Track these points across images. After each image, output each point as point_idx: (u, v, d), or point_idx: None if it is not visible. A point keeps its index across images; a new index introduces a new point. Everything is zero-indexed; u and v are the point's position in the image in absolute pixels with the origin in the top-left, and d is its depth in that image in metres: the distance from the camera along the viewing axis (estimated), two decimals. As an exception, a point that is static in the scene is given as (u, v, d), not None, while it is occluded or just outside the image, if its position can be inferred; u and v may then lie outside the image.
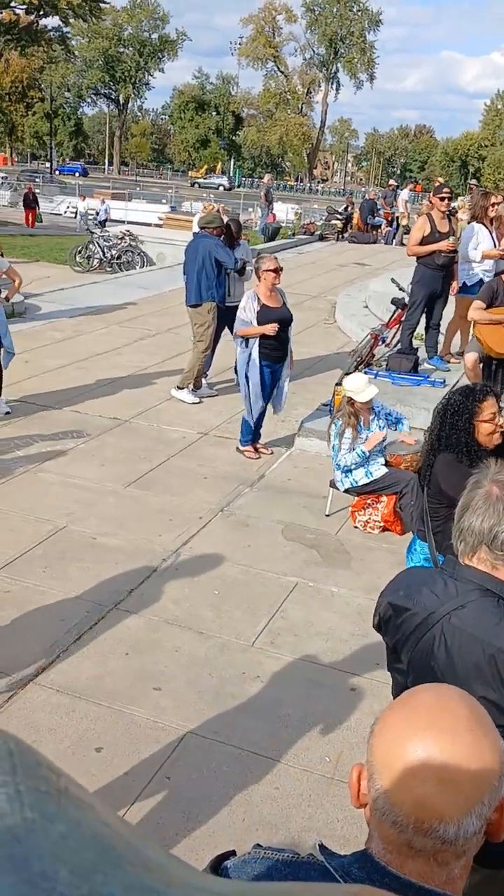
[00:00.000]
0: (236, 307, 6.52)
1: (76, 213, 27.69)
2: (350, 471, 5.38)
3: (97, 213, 25.71)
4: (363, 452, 5.31)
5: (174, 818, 2.99)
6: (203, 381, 8.06)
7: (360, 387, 5.31)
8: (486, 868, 1.85)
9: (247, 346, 6.28)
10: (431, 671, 1.81)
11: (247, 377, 6.31)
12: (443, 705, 0.98)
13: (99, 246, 17.97)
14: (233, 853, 1.09)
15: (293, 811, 3.07)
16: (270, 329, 6.11)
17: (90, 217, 24.56)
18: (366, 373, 7.14)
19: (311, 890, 0.79)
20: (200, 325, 7.60)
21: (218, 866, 1.06)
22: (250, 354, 6.25)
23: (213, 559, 4.92)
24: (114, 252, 18.04)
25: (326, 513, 5.66)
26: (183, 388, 7.77)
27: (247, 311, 6.23)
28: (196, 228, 18.60)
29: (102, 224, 21.08)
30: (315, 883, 0.96)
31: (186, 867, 0.56)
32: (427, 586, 1.86)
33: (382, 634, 2.02)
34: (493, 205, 8.06)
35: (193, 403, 7.71)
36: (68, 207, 31.39)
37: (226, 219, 8.32)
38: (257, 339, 6.21)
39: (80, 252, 18.21)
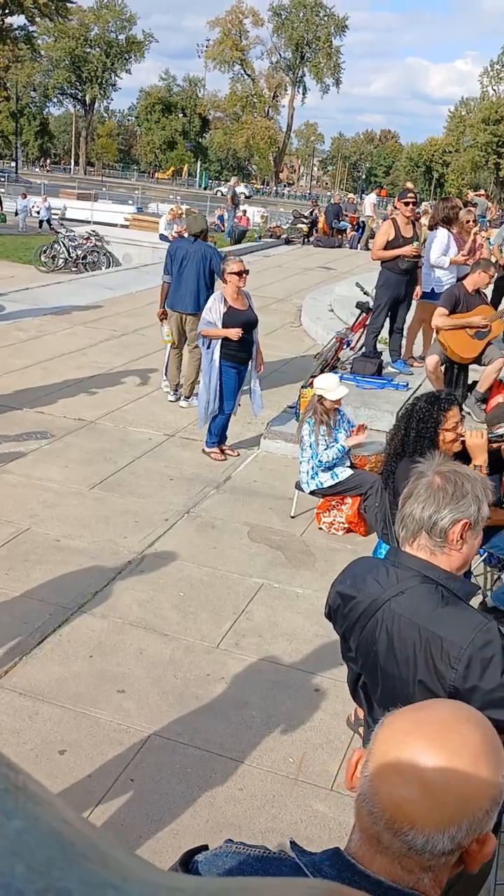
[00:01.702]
0: None
1: (16, 210, 27.49)
2: (317, 473, 5.41)
3: (61, 212, 25.55)
4: (343, 448, 5.35)
5: (137, 820, 2.98)
6: (164, 383, 8.05)
7: (331, 386, 5.36)
8: None
9: (209, 347, 6.29)
10: (375, 656, 1.87)
11: (210, 379, 6.32)
12: (456, 725, 0.97)
13: (64, 246, 17.85)
14: (205, 847, 1.08)
15: (257, 812, 3.08)
16: (234, 334, 6.12)
17: (54, 217, 24.40)
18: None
19: (269, 884, 0.80)
20: (192, 330, 7.55)
21: (188, 861, 1.05)
22: (212, 356, 6.26)
23: (179, 561, 4.92)
24: (79, 252, 17.93)
25: (292, 514, 5.68)
26: (190, 397, 7.72)
27: (212, 311, 6.24)
28: (163, 230, 18.56)
29: (42, 224, 20.94)
30: (274, 878, 0.97)
31: (146, 864, 0.57)
32: (371, 574, 1.92)
33: (333, 623, 2.08)
34: (454, 208, 8.16)
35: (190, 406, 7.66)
36: (33, 207, 31.09)
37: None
38: (219, 341, 6.22)
39: (45, 252, 18.07)
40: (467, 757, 0.93)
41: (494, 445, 3.61)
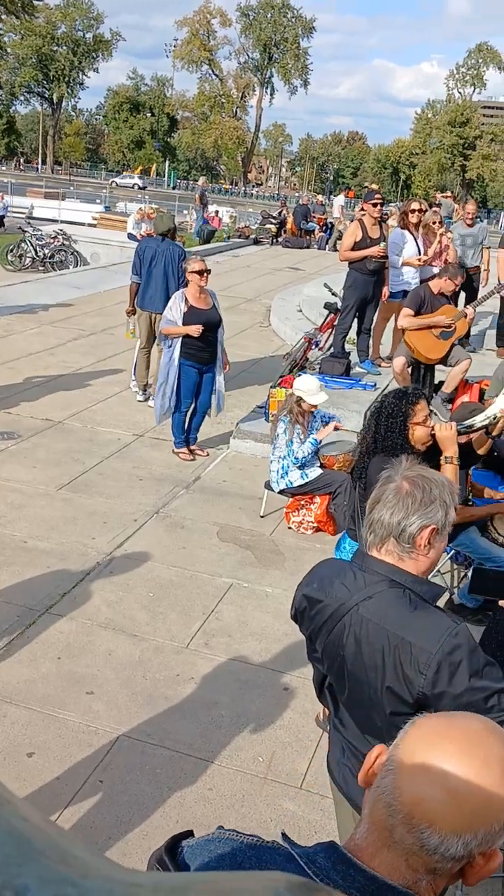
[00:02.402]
0: None
1: None
2: (287, 472, 5.43)
3: (28, 211, 25.32)
4: (316, 441, 5.37)
5: (106, 822, 2.97)
6: (132, 383, 8.03)
7: (312, 389, 5.37)
8: None
9: (170, 345, 6.28)
10: (342, 660, 1.87)
11: (167, 377, 6.31)
12: (487, 737, 0.98)
13: (31, 245, 17.69)
14: (190, 833, 1.07)
15: (227, 812, 3.08)
16: (194, 330, 6.11)
17: (17, 215, 24.16)
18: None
19: (230, 878, 0.80)
20: None
21: (175, 846, 1.04)
22: (171, 354, 6.25)
23: (148, 561, 4.90)
24: (46, 251, 17.78)
25: (261, 514, 5.69)
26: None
27: (173, 310, 6.22)
28: (131, 229, 18.48)
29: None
30: (235, 872, 0.97)
31: (108, 862, 0.56)
32: (339, 578, 1.91)
33: (299, 625, 2.07)
34: (412, 211, 8.22)
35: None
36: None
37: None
38: (179, 340, 6.20)
39: (11, 250, 17.89)
40: (496, 770, 0.95)
41: (464, 438, 3.64)
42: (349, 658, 1.84)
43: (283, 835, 1.04)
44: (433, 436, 3.33)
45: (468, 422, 3.78)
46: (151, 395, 7.78)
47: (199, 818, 3.02)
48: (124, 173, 65.36)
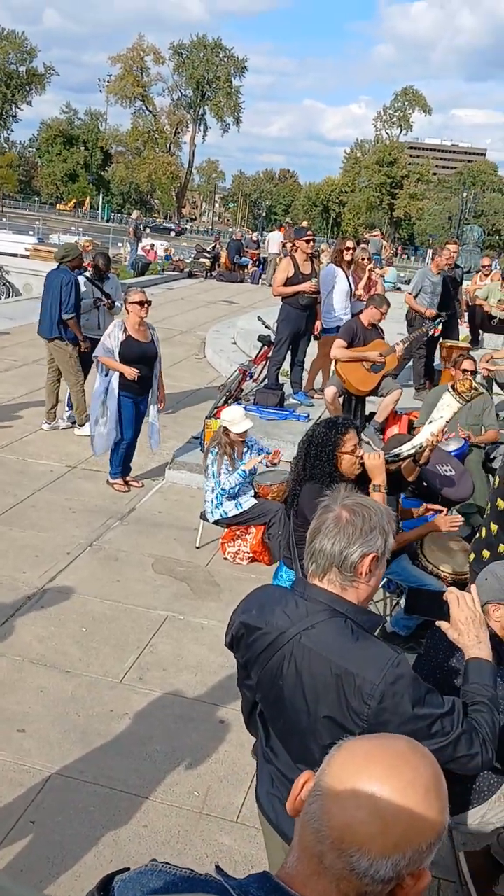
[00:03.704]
0: None
1: None
2: (221, 502, 5.44)
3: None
4: (244, 472, 5.39)
5: (38, 863, 2.88)
6: (66, 413, 7.98)
7: (235, 418, 5.41)
8: None
9: (107, 374, 6.25)
10: (280, 689, 1.85)
11: (105, 406, 6.27)
12: (412, 758, 0.99)
13: (-39, 275, 17.43)
14: (126, 870, 1.06)
15: (162, 848, 3.03)
16: (130, 373, 6.12)
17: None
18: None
19: None
20: (66, 359, 7.55)
21: (108, 884, 1.02)
22: (110, 383, 6.23)
23: (81, 595, 4.82)
24: (-23, 282, 17.53)
25: (197, 545, 5.67)
26: (84, 425, 7.63)
27: (111, 338, 6.21)
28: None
29: None
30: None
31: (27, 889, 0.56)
32: (279, 606, 1.90)
33: (234, 652, 2.05)
34: (347, 249, 8.46)
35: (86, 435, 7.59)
36: None
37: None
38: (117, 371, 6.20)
39: None
40: (421, 790, 0.96)
41: (392, 466, 3.73)
42: (288, 688, 1.83)
43: (217, 867, 1.03)
44: (363, 464, 3.40)
45: (396, 451, 3.87)
46: (77, 423, 7.76)
47: (134, 856, 2.96)
48: (160, 221, 64.85)
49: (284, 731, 1.91)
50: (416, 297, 8.97)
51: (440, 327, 9.50)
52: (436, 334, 9.10)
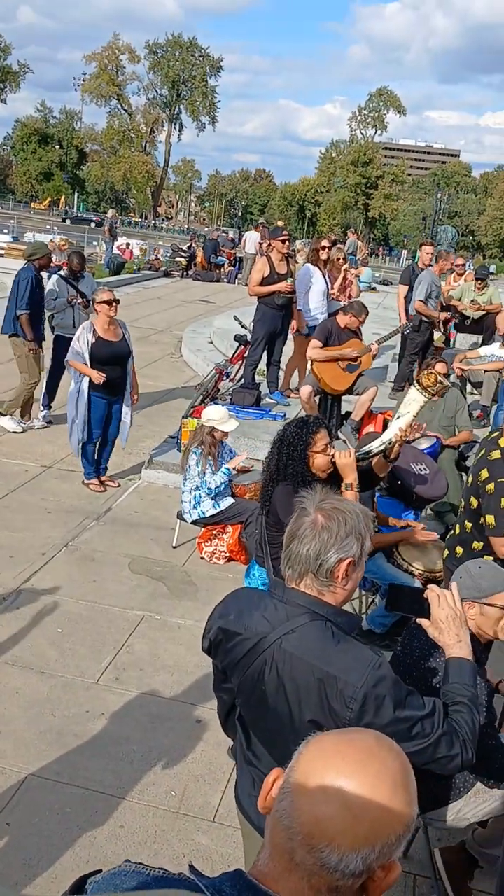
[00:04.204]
0: None
1: None
2: (200, 502, 5.44)
3: None
4: (228, 470, 5.39)
5: (14, 866, 2.86)
6: (41, 413, 7.94)
7: (223, 418, 5.42)
8: None
9: (79, 376, 6.23)
10: (262, 694, 1.84)
11: (76, 408, 6.25)
12: (379, 752, 1.00)
13: None
14: (99, 871, 1.06)
15: (139, 848, 3.02)
16: (97, 378, 6.11)
17: None
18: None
19: None
20: (18, 356, 7.56)
21: (81, 885, 1.02)
22: (80, 385, 6.20)
23: (57, 596, 4.80)
24: (-50, 281, 17.35)
25: (173, 545, 5.66)
26: (6, 415, 7.65)
27: (80, 341, 6.18)
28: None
29: None
30: (134, 892, 0.97)
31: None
32: (258, 610, 1.89)
33: (212, 658, 2.03)
34: (323, 248, 8.48)
35: (14, 432, 7.61)
36: None
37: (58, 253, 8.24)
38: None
39: None
40: (388, 783, 0.96)
41: (363, 464, 3.75)
42: (270, 693, 1.82)
43: (191, 866, 1.03)
44: (334, 463, 3.41)
45: (366, 448, 3.89)
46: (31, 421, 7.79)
47: (111, 857, 2.96)
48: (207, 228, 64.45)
49: (267, 736, 1.90)
50: (425, 301, 8.93)
51: (454, 331, 9.55)
52: (452, 338, 9.13)
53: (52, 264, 8.11)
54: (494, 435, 3.61)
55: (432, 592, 2.11)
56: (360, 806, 0.94)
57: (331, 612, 1.83)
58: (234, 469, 5.48)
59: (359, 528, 1.85)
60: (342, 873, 0.93)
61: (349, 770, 0.96)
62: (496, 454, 3.47)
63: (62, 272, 8.05)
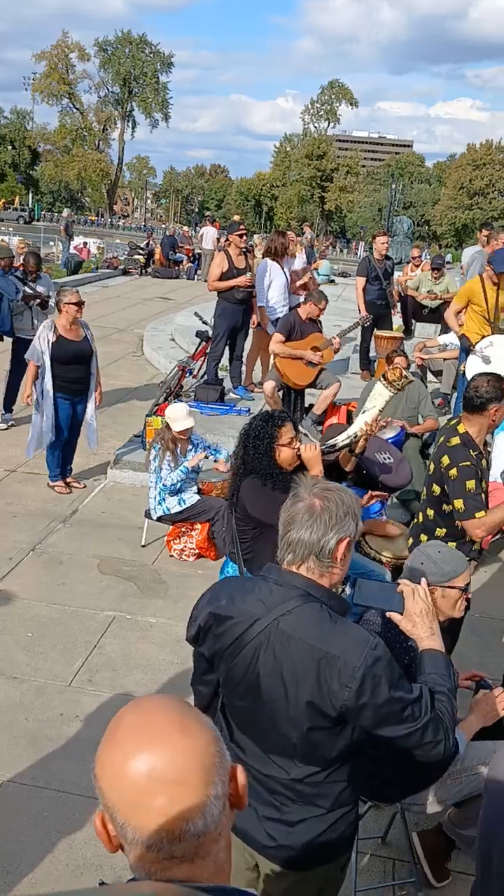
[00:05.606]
0: None
1: None
2: (164, 498, 5.43)
3: None
4: (186, 469, 5.39)
5: (-7, 874, 2.84)
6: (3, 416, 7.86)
7: (178, 415, 5.41)
8: (295, 872, 1.92)
9: (41, 380, 6.17)
10: (255, 678, 1.85)
11: (41, 411, 6.20)
12: (143, 720, 1.00)
13: None
14: None
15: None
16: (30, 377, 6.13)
17: None
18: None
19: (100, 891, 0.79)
20: None
21: None
22: (44, 386, 6.15)
23: (25, 600, 4.76)
24: None
25: (142, 543, 5.65)
26: None
27: (41, 340, 6.13)
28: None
29: None
30: (99, 888, 0.99)
31: None
32: (252, 594, 1.90)
33: (198, 646, 2.03)
34: (280, 243, 8.47)
35: None
36: None
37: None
38: (49, 372, 6.12)
39: None
40: (172, 732, 0.97)
41: (329, 457, 3.77)
42: (265, 675, 1.82)
43: (101, 883, 1.04)
44: (300, 456, 3.43)
45: (331, 441, 3.92)
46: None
47: (90, 859, 2.95)
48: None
49: (256, 723, 1.89)
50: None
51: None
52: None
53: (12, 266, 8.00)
54: (454, 422, 3.66)
55: (406, 587, 2.15)
56: (174, 771, 0.95)
57: (325, 595, 1.85)
58: (191, 467, 5.47)
59: (353, 508, 1.90)
60: (214, 823, 0.96)
61: (138, 758, 0.96)
62: (455, 440, 3.52)
63: (18, 273, 7.96)
